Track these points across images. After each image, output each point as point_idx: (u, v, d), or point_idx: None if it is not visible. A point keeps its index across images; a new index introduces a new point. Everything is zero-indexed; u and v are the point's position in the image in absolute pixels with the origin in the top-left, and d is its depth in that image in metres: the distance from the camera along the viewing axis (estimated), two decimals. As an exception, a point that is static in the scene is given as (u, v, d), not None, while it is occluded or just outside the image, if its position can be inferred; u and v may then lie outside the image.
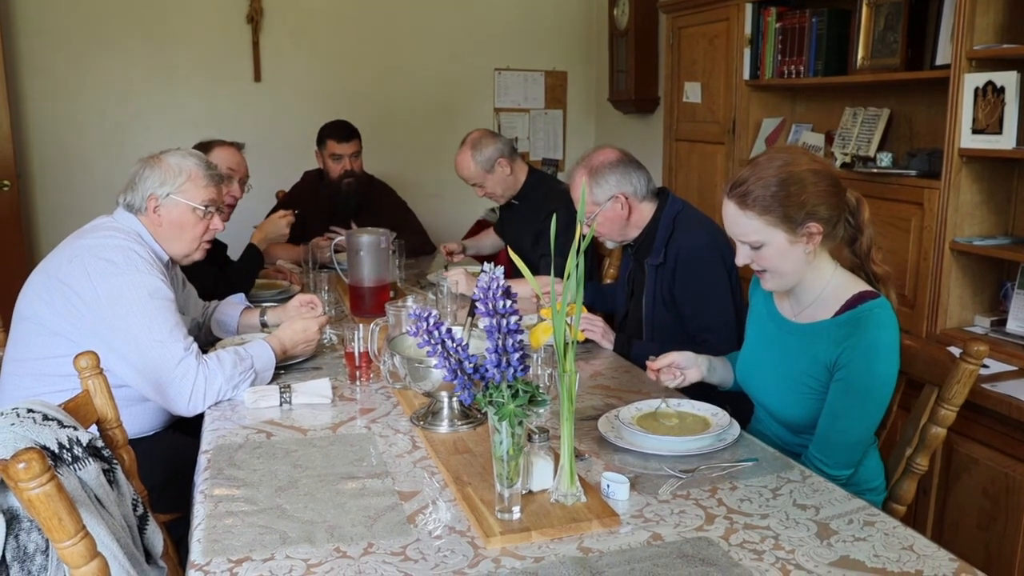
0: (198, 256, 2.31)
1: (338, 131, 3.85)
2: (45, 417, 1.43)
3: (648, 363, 2.02)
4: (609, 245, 2.65)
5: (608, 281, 3.37)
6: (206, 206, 2.24)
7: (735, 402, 2.03)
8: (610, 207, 2.47)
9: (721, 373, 2.06)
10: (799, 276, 1.80)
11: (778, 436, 1.91)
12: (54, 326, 2.07)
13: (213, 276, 2.99)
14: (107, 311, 2.02)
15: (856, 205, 1.79)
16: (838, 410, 1.74)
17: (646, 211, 2.51)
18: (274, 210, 3.95)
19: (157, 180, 2.20)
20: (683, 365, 2.00)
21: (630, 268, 2.64)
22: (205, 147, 3.18)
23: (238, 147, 3.24)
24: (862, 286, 1.79)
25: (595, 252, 3.41)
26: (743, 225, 1.77)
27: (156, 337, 1.99)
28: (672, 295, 2.43)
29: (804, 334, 1.82)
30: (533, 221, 3.32)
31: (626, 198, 2.47)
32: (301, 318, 2.32)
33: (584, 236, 1.44)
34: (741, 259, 1.82)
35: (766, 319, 1.94)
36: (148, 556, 1.59)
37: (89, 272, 2.04)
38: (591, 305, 2.83)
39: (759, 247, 1.77)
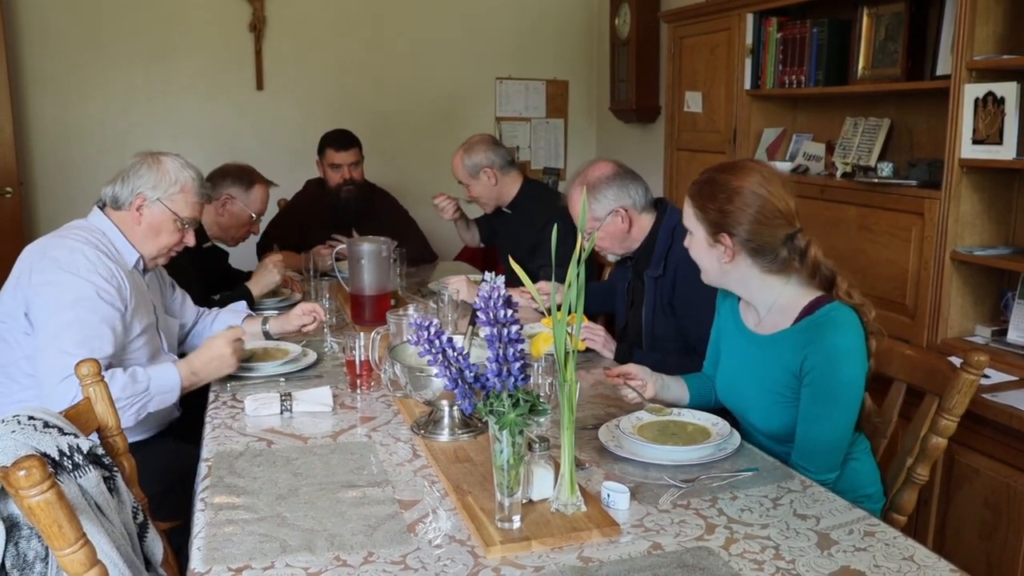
0: (161, 262, 2.32)
1: (337, 140, 3.85)
2: (46, 424, 1.43)
3: (606, 372, 2.02)
4: (611, 259, 2.64)
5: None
6: (187, 221, 2.26)
7: (732, 416, 2.03)
8: (610, 221, 2.46)
9: (676, 391, 2.03)
10: (719, 278, 1.87)
11: (766, 449, 1.90)
12: (16, 327, 2.09)
13: (198, 292, 2.94)
14: (35, 306, 2.03)
15: (805, 247, 1.78)
16: (811, 416, 1.75)
17: (646, 222, 2.51)
18: (275, 220, 3.96)
19: (151, 181, 2.20)
20: (641, 376, 1.99)
21: (629, 279, 2.64)
22: (249, 174, 3.20)
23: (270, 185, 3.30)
24: (817, 292, 1.81)
25: (595, 261, 3.40)
26: (684, 208, 1.88)
27: (62, 346, 1.96)
28: (672, 306, 2.43)
29: (769, 345, 1.83)
30: (527, 232, 3.31)
31: (626, 211, 2.46)
32: (212, 336, 2.23)
33: (584, 249, 1.44)
34: (685, 241, 1.91)
35: (736, 333, 1.95)
36: (148, 564, 1.58)
37: (32, 267, 2.06)
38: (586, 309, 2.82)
39: (690, 234, 1.87)
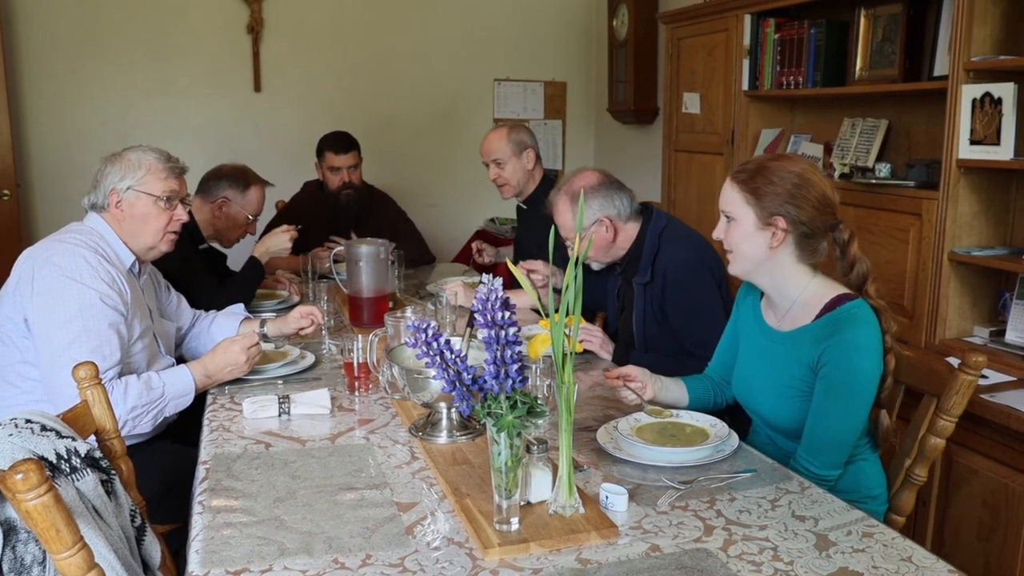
0: (164, 248, 2.29)
1: (336, 143, 3.84)
2: (43, 427, 1.43)
3: (606, 373, 2.02)
4: (594, 267, 2.61)
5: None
6: (168, 197, 2.24)
7: (732, 416, 2.03)
8: (595, 231, 2.45)
9: (674, 393, 2.04)
10: (756, 267, 1.86)
11: (775, 444, 1.91)
12: (15, 331, 2.08)
13: (212, 287, 2.99)
14: (37, 314, 2.02)
15: (847, 239, 1.82)
16: (822, 409, 1.76)
17: (631, 231, 2.49)
18: (273, 222, 3.96)
19: (118, 175, 2.20)
20: (640, 378, 1.99)
21: (619, 285, 2.63)
22: (244, 175, 3.21)
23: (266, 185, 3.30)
24: (841, 290, 1.82)
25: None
26: (726, 194, 1.86)
27: (74, 355, 1.93)
28: (663, 312, 2.41)
29: (789, 341, 1.84)
30: (539, 228, 3.31)
31: (611, 221, 2.45)
32: (226, 341, 2.25)
33: (578, 254, 1.44)
34: (717, 231, 1.90)
35: (756, 331, 1.96)
36: (146, 567, 1.58)
37: (34, 273, 2.05)
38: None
39: (731, 220, 1.86)
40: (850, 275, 1.83)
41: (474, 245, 3.76)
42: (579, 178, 2.50)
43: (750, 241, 1.83)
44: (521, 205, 3.53)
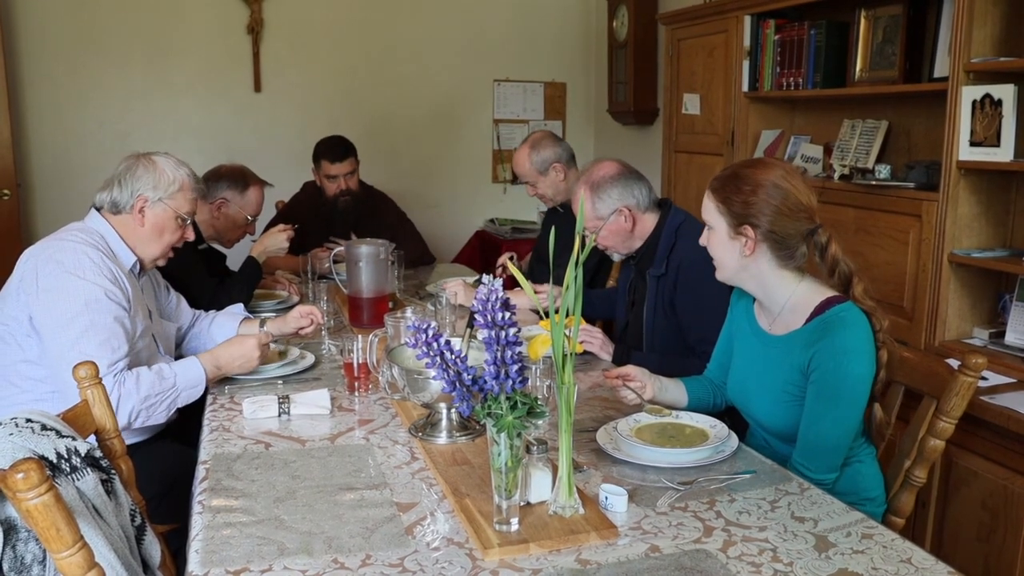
0: (162, 261, 2.32)
1: (331, 151, 3.81)
2: (44, 427, 1.43)
3: (605, 373, 2.03)
4: (615, 258, 2.64)
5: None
6: (185, 217, 2.27)
7: (732, 417, 2.03)
8: (614, 220, 2.47)
9: (673, 393, 2.04)
10: (736, 273, 1.88)
11: (771, 448, 1.91)
12: (19, 329, 2.08)
13: (211, 287, 2.99)
14: (42, 311, 2.02)
15: (825, 243, 1.81)
16: (814, 414, 1.76)
17: (649, 222, 2.52)
18: (273, 222, 3.95)
19: (150, 183, 2.21)
20: (640, 378, 1.99)
21: (631, 278, 2.64)
22: (243, 176, 3.21)
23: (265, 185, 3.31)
24: (830, 293, 1.82)
25: (604, 269, 3.37)
26: (704, 202, 1.89)
27: (83, 349, 1.95)
28: (672, 306, 2.43)
29: (781, 345, 1.84)
30: (569, 228, 3.30)
31: (629, 210, 2.47)
32: (240, 335, 2.28)
33: (583, 248, 1.45)
34: (701, 239, 1.93)
35: (749, 334, 1.96)
36: (146, 567, 1.58)
37: (38, 271, 2.05)
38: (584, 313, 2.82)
39: (710, 229, 1.88)
40: (832, 278, 1.83)
41: (503, 260, 3.63)
42: (598, 167, 2.52)
43: (724, 249, 1.86)
44: (558, 208, 3.51)
